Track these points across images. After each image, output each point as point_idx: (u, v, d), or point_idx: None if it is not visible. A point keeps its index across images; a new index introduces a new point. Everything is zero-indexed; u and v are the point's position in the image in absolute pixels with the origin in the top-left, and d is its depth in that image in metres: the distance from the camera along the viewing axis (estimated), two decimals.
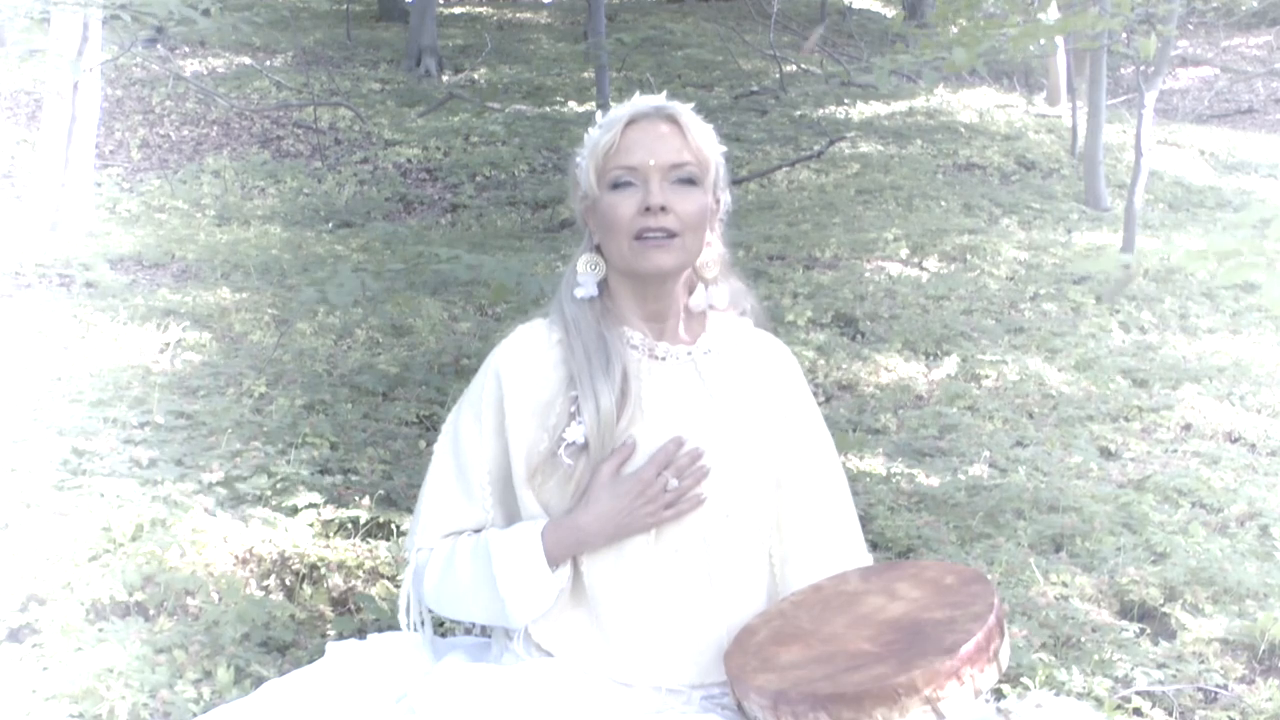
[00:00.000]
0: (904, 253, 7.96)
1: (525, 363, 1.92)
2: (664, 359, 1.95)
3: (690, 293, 1.99)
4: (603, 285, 1.97)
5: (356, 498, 3.87)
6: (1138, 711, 3.02)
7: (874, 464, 4.67)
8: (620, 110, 1.93)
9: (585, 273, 1.96)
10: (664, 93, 1.98)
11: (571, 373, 1.90)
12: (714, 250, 1.98)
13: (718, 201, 1.97)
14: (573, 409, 1.89)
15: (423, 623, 2.00)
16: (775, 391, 1.99)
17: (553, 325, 1.96)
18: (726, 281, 2.01)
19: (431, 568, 1.92)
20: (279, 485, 3.91)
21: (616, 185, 1.89)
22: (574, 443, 1.87)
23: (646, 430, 1.89)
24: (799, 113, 12.59)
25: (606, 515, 1.85)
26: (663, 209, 1.86)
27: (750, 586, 1.93)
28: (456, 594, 1.90)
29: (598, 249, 1.95)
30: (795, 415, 2.00)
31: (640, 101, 1.93)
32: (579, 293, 1.95)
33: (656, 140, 1.89)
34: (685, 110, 1.93)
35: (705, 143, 1.92)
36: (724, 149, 1.98)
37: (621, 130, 1.90)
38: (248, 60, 13.38)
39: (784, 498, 1.98)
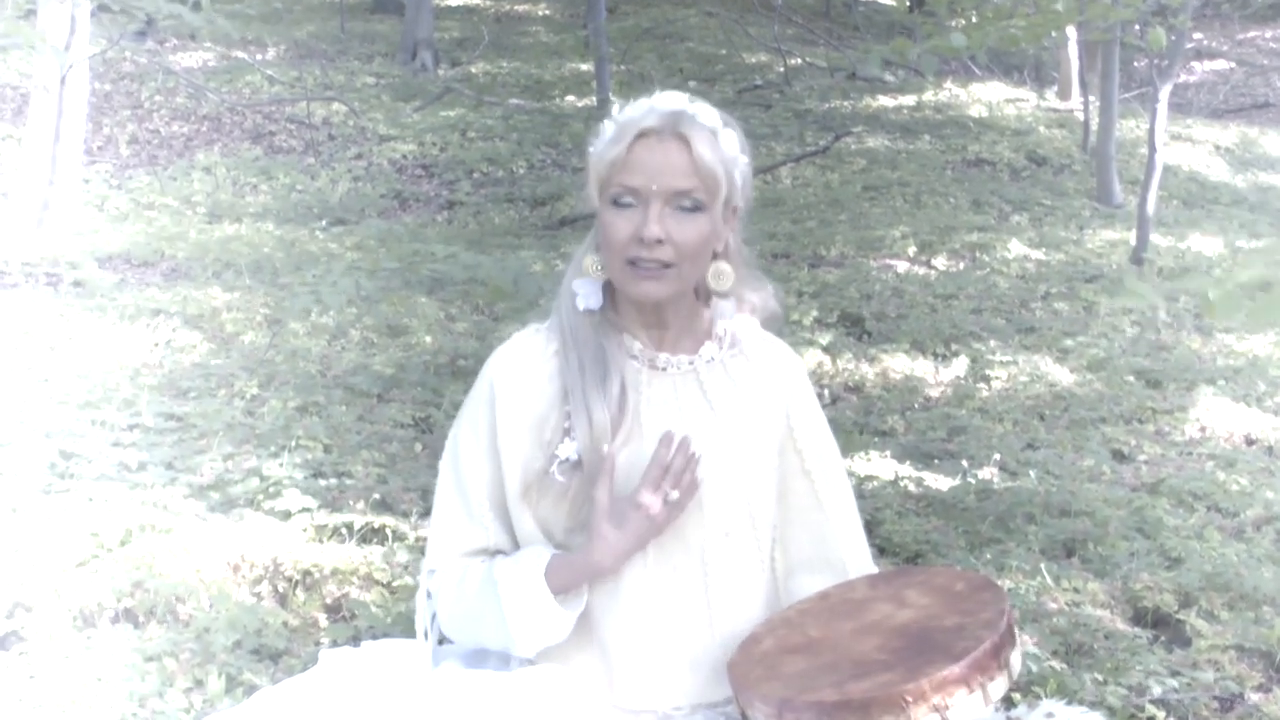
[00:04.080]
0: (912, 250, 7.95)
1: (520, 376, 1.90)
2: (664, 369, 1.93)
3: (699, 298, 1.96)
4: (605, 286, 1.94)
5: (351, 502, 3.87)
6: None
7: (881, 467, 4.67)
8: (634, 114, 1.87)
9: (590, 273, 1.92)
10: (687, 95, 1.90)
11: (566, 386, 1.88)
12: (726, 260, 1.93)
13: (734, 210, 1.91)
14: (566, 424, 1.87)
15: (426, 635, 1.99)
16: (780, 400, 1.97)
17: (550, 335, 1.93)
18: (741, 291, 1.97)
19: (444, 594, 1.91)
20: (271, 489, 3.91)
21: (616, 202, 1.85)
22: (567, 459, 1.86)
23: (643, 445, 1.87)
24: (804, 107, 12.58)
25: (614, 545, 1.82)
26: (659, 241, 1.82)
27: (749, 603, 1.92)
28: (469, 625, 1.90)
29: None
30: (800, 424, 1.98)
31: (657, 108, 1.87)
32: (581, 304, 1.91)
33: (663, 161, 1.83)
34: (704, 122, 1.86)
35: (718, 160, 1.85)
36: (745, 159, 1.90)
37: (629, 145, 1.84)
38: (239, 54, 13.38)
39: (788, 508, 1.97)
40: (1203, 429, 5.34)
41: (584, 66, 13.55)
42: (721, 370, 1.96)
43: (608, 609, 1.87)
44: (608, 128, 1.89)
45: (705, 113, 1.88)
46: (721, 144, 1.87)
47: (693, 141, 1.84)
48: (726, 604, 1.90)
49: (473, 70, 13.89)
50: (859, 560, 2.00)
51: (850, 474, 2.08)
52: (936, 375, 5.93)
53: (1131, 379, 5.84)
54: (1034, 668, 3.11)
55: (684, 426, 1.89)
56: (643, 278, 1.84)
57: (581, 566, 1.83)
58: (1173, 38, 7.58)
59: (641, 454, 1.86)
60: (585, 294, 1.92)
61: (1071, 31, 11.01)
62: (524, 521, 1.88)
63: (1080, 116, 11.71)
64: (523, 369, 1.91)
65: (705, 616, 1.89)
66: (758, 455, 1.93)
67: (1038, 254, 8.01)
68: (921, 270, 7.66)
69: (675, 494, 1.81)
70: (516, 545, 1.91)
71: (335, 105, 11.69)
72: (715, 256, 1.92)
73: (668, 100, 1.89)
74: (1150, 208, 7.78)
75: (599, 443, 1.84)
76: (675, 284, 1.86)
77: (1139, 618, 3.59)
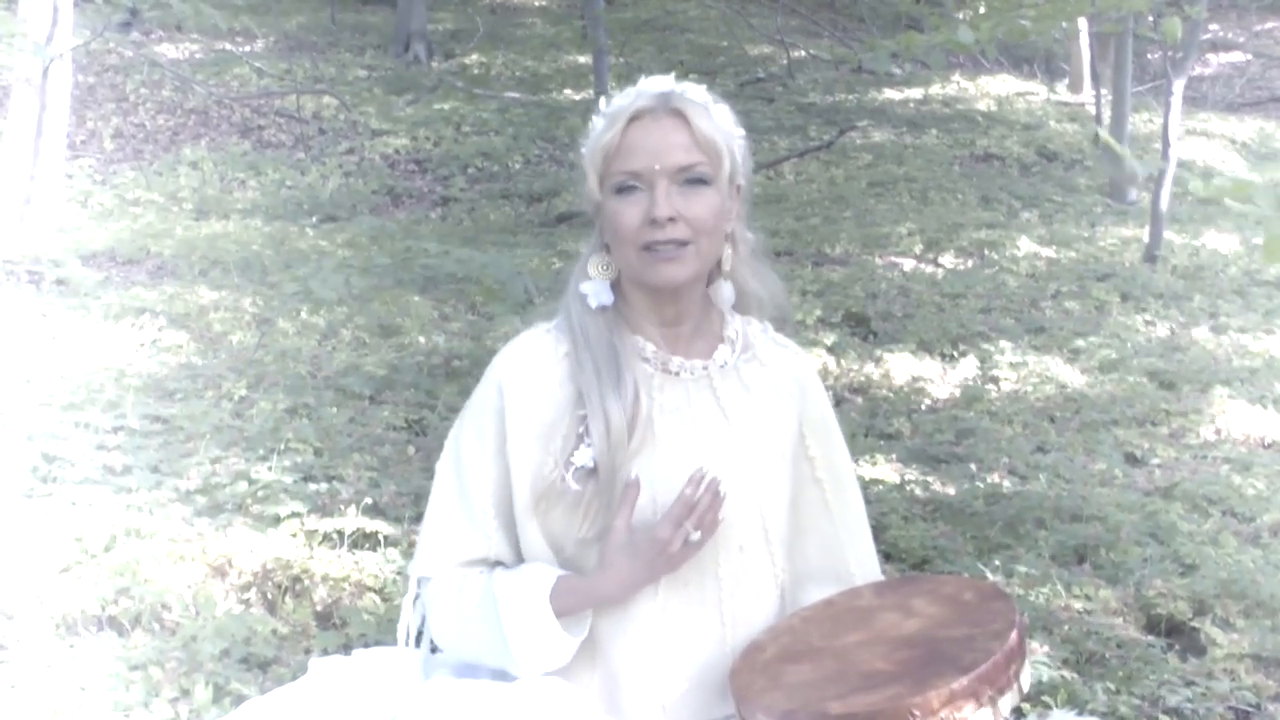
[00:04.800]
0: (918, 248, 7.96)
1: (529, 379, 1.88)
2: (678, 374, 1.91)
3: (709, 286, 1.94)
4: (614, 286, 1.92)
5: (342, 507, 3.87)
6: None
7: (887, 471, 4.67)
8: (623, 101, 1.87)
9: (597, 275, 1.91)
10: (671, 75, 1.91)
11: (579, 390, 1.86)
12: (733, 246, 1.93)
13: (738, 189, 1.91)
14: (580, 430, 1.85)
15: (417, 644, 1.98)
16: (792, 406, 1.96)
17: (560, 336, 1.91)
18: (745, 275, 1.96)
19: (438, 604, 1.89)
20: (260, 493, 3.91)
21: (620, 190, 1.84)
22: (583, 467, 1.84)
23: (656, 454, 1.86)
24: (808, 101, 12.59)
25: (625, 579, 1.81)
26: (671, 219, 1.81)
27: (763, 618, 1.91)
28: (464, 641, 1.88)
29: (607, 247, 1.91)
30: (812, 430, 1.98)
31: (645, 90, 1.87)
32: (592, 302, 1.90)
33: (662, 139, 1.83)
34: (694, 98, 1.87)
35: (718, 132, 1.85)
36: (741, 134, 1.91)
37: (623, 129, 1.84)
38: (227, 45, 13.38)
39: (798, 517, 1.96)
40: (1218, 431, 5.34)
41: (582, 59, 13.55)
42: (735, 377, 1.94)
43: (616, 632, 1.85)
44: (597, 122, 1.89)
45: (694, 90, 1.89)
46: (716, 118, 1.88)
47: (689, 115, 1.84)
48: (741, 620, 1.89)
49: (467, 62, 13.89)
50: (867, 574, 2.00)
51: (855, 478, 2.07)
52: (944, 376, 5.93)
53: (1145, 380, 5.84)
54: (1044, 677, 3.11)
55: (697, 436, 1.88)
56: (661, 261, 1.83)
57: (587, 593, 1.82)
58: (1187, 29, 7.57)
59: (653, 464, 1.85)
60: (595, 292, 1.91)
61: (1083, 23, 11.02)
62: (531, 532, 1.86)
63: (1092, 110, 11.71)
64: (533, 373, 1.88)
65: (719, 634, 1.88)
66: (772, 467, 1.92)
67: (1048, 252, 8.01)
68: (928, 268, 7.66)
69: (697, 535, 1.79)
70: (518, 557, 1.89)
71: (326, 99, 11.69)
72: (725, 239, 1.91)
73: (654, 83, 1.89)
74: (1164, 204, 7.78)
75: (617, 449, 1.82)
76: (695, 263, 1.85)
77: (1152, 626, 3.58)
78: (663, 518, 1.79)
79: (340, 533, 3.70)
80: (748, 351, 1.97)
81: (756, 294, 1.99)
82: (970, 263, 7.80)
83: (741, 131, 1.91)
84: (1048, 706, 3.00)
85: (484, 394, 1.90)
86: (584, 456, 1.84)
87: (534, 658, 1.81)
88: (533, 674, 1.83)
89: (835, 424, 2.02)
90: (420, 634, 1.97)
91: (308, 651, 3.11)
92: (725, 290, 1.94)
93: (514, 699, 1.81)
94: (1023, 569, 3.79)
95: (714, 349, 1.94)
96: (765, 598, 1.92)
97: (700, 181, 1.84)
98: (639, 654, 1.85)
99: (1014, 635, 1.67)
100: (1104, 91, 11.17)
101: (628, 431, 1.83)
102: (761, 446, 1.91)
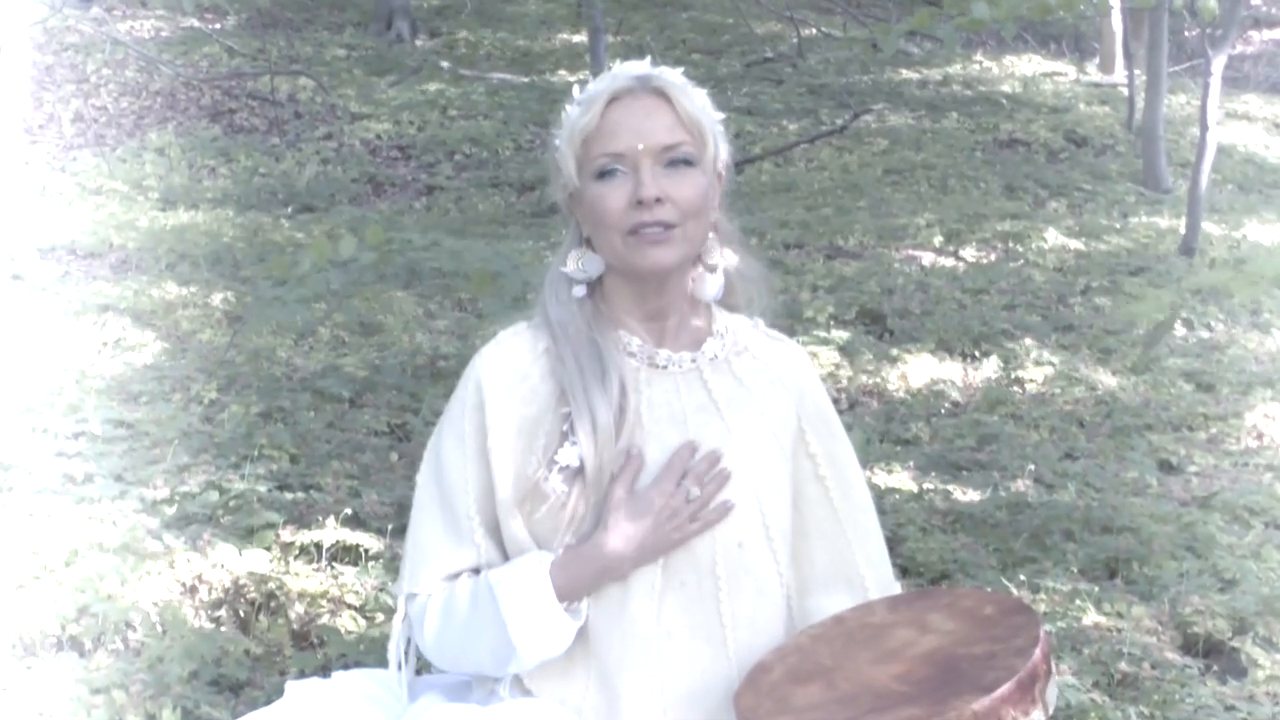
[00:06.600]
0: (938, 240, 7.96)
1: (509, 375, 1.91)
2: (665, 367, 1.95)
3: (694, 282, 1.99)
4: (593, 283, 1.96)
5: (320, 517, 3.88)
6: None
7: (904, 479, 4.68)
8: (599, 85, 1.91)
9: (575, 270, 1.95)
10: (647, 59, 1.97)
11: (562, 386, 1.89)
12: (718, 231, 1.98)
13: (719, 176, 1.96)
14: (565, 427, 1.88)
15: (402, 666, 1.99)
16: (789, 401, 1.99)
17: (538, 333, 1.95)
18: (731, 264, 2.01)
19: (429, 618, 1.90)
20: (232, 503, 3.92)
21: (602, 175, 1.88)
22: (568, 466, 1.87)
23: (647, 451, 1.88)
24: (819, 82, 12.59)
25: (630, 538, 1.83)
26: (658, 200, 1.85)
27: (766, 623, 1.93)
28: (460, 645, 1.89)
29: (587, 242, 1.95)
30: (811, 427, 2.00)
31: (621, 73, 1.92)
32: (564, 291, 1.94)
33: (644, 119, 1.88)
34: (673, 78, 1.92)
35: (700, 113, 1.91)
36: (721, 116, 1.97)
37: (602, 110, 1.88)
38: (195, 23, 13.38)
39: (802, 519, 1.98)
40: (1259, 437, 5.35)
41: (577, 38, 13.56)
42: (727, 369, 1.98)
43: (610, 632, 1.87)
44: (571, 109, 1.93)
45: (671, 72, 1.94)
46: (696, 99, 1.93)
47: (671, 94, 1.90)
48: (743, 622, 1.90)
49: (454, 41, 13.90)
50: (880, 577, 2.01)
51: (870, 487, 2.08)
52: (965, 378, 5.93)
53: (1181, 382, 5.85)
54: (1073, 700, 3.12)
55: (689, 429, 1.91)
56: (648, 244, 1.87)
57: (590, 558, 1.84)
58: (1227, 4, 7.59)
59: (644, 460, 1.88)
60: (571, 283, 1.96)
61: None
62: (515, 528, 1.88)
63: (1125, 92, 11.72)
64: (512, 367, 1.92)
65: (720, 635, 1.89)
66: (770, 460, 1.94)
67: (1077, 244, 8.02)
68: (949, 262, 7.66)
69: (697, 491, 1.84)
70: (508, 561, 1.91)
71: (302, 80, 11.69)
72: (710, 226, 1.96)
73: (631, 66, 1.95)
74: (1202, 192, 7.79)
75: (605, 446, 1.85)
76: (682, 247, 1.89)
77: (1189, 645, 3.59)
78: (662, 471, 1.85)
79: (318, 545, 3.71)
80: (738, 344, 2.00)
81: (744, 287, 2.04)
82: (993, 256, 7.80)
83: (721, 115, 1.97)
84: None
85: (462, 394, 1.93)
86: (569, 455, 1.87)
87: (532, 634, 1.82)
88: (531, 658, 1.84)
89: (836, 419, 2.05)
90: (408, 656, 1.98)
91: (283, 673, 3.12)
92: (710, 282, 1.99)
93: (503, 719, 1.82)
94: (1049, 584, 3.80)
95: (702, 342, 1.98)
96: (768, 598, 1.93)
97: (685, 162, 1.88)
98: (636, 657, 1.86)
99: (1038, 651, 1.68)
100: (1138, 72, 11.18)
101: (615, 428, 1.86)
102: (758, 439, 1.94)
